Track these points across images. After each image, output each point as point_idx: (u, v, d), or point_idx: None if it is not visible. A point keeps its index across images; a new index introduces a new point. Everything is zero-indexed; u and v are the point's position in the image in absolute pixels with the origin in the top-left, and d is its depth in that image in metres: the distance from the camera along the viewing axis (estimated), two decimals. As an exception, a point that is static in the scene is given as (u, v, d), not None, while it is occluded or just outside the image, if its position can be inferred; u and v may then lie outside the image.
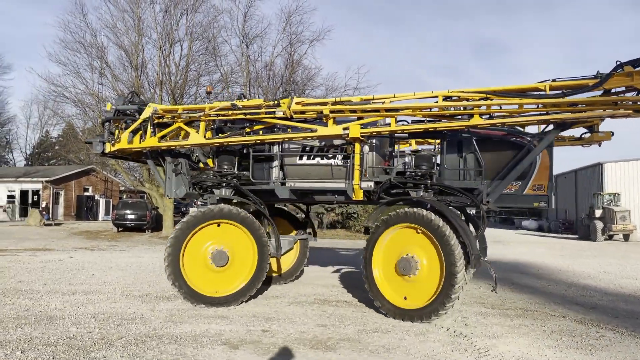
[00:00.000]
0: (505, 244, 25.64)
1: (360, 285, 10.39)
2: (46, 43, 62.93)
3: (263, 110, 8.21)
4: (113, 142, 8.82)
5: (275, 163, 8.66)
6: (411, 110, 7.72)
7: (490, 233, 37.96)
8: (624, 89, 6.90)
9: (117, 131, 8.86)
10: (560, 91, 7.08)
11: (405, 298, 7.41)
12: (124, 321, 6.85)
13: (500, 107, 7.41)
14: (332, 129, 7.91)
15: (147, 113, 8.60)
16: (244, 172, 8.75)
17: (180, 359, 5.32)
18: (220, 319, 7.15)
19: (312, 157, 8.52)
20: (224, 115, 8.46)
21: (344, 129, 7.82)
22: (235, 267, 8.04)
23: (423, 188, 7.84)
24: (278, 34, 31.46)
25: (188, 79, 26.39)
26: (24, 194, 41.78)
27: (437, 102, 7.61)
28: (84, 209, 43.45)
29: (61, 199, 41.85)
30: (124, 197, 42.04)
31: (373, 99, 7.90)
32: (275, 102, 8.22)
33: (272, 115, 8.17)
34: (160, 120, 8.75)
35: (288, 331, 6.57)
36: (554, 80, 7.25)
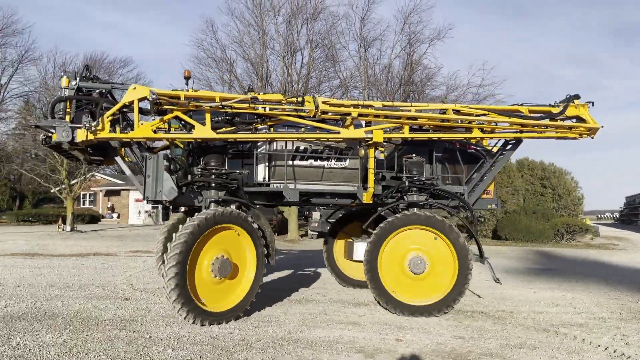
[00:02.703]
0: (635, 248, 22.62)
1: (497, 293, 9.76)
2: (182, 61, 68.68)
3: (285, 106, 7.76)
4: (92, 129, 6.85)
5: (277, 163, 8.11)
6: (427, 119, 8.42)
7: (611, 234, 33.91)
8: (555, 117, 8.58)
9: (67, 116, 7.03)
10: (538, 114, 8.59)
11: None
12: (261, 323, 7.06)
13: (497, 124, 8.63)
14: (355, 132, 8.04)
15: (131, 96, 6.99)
16: (245, 172, 8.02)
17: (318, 365, 5.32)
18: (352, 325, 7.08)
19: (315, 159, 8.29)
20: (238, 108, 7.48)
21: (367, 132, 8.06)
22: (236, 277, 7.45)
23: (417, 192, 8.59)
24: (396, 35, 31.00)
25: (309, 86, 27.15)
26: (165, 199, 46.03)
27: (445, 113, 8.47)
28: (217, 213, 46.65)
29: (197, 204, 45.36)
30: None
31: (393, 106, 8.68)
32: (299, 98, 7.82)
33: (296, 113, 7.77)
34: (159, 107, 7.25)
35: (423, 342, 6.30)
36: (522, 105, 8.67)
